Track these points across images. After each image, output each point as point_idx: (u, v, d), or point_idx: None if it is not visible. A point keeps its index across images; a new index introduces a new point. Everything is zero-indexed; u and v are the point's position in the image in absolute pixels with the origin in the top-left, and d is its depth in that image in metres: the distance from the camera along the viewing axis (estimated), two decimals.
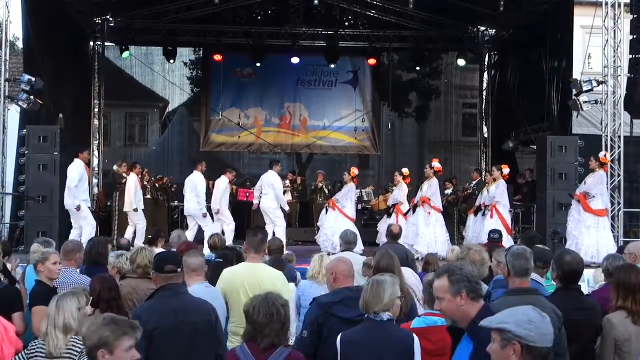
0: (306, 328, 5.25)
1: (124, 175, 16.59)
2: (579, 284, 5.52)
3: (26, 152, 14.23)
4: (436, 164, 15.28)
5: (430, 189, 14.84)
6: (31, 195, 14.01)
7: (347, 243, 8.54)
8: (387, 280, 4.66)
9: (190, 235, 13.79)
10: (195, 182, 14.67)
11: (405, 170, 15.95)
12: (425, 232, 14.59)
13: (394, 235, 9.93)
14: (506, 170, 14.87)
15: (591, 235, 12.87)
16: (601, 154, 13.47)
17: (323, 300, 5.33)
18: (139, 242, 14.02)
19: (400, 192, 15.53)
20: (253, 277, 6.14)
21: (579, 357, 4.82)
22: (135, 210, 15.17)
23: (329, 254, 8.56)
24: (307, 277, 7.77)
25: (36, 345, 4.76)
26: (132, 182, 15.41)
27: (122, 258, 7.06)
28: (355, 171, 15.76)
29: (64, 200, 13.63)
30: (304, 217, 19.48)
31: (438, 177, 15.32)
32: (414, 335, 4.60)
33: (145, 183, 17.10)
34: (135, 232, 15.06)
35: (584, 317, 4.98)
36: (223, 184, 15.15)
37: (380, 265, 6.24)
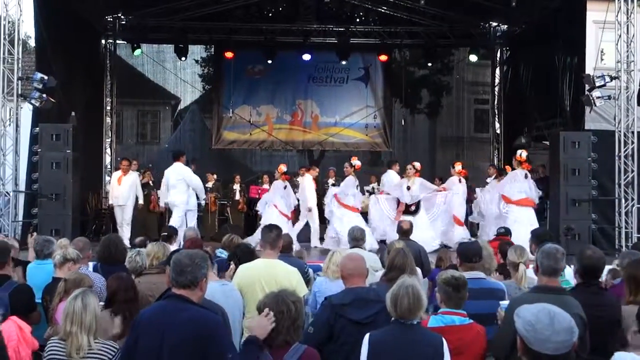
0: (313, 325, 5.27)
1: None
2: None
3: (39, 150, 14.25)
4: (417, 164, 15.41)
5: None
6: (44, 193, 14.06)
7: (354, 240, 8.50)
8: (417, 283, 4.60)
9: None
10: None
11: (417, 164, 15.75)
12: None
13: (404, 231, 9.78)
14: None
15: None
16: (518, 153, 14.25)
17: (334, 301, 5.32)
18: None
19: (422, 187, 15.28)
20: (269, 272, 6.22)
21: (597, 352, 4.73)
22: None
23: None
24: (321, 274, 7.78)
25: (53, 344, 4.64)
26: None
27: (140, 256, 6.97)
28: (357, 163, 15.42)
29: (176, 197, 14.21)
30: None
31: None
32: (443, 338, 4.53)
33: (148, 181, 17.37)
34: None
35: (603, 314, 4.92)
36: (309, 181, 15.49)
37: (394, 262, 6.22)
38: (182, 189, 14.36)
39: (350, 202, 14.96)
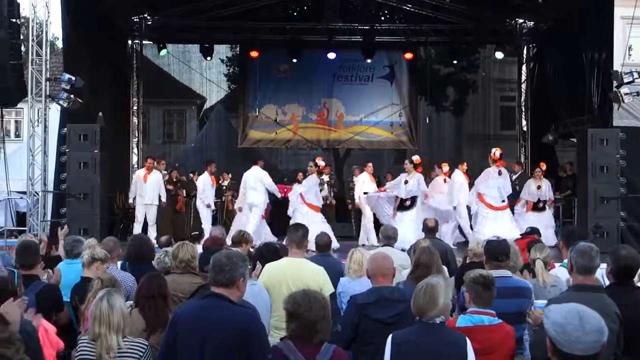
0: (341, 323, 5.27)
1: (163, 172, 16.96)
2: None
3: (67, 150, 14.43)
4: (416, 157, 15.26)
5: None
6: (72, 192, 14.23)
7: (387, 238, 8.41)
8: (440, 283, 4.51)
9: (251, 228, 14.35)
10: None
11: (416, 158, 15.42)
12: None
13: (429, 229, 9.74)
14: None
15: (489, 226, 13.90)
16: (492, 152, 14.74)
17: (358, 301, 5.35)
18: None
19: (417, 184, 14.98)
20: (295, 271, 6.25)
21: (630, 352, 4.69)
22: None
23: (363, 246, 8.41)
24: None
25: (83, 345, 4.67)
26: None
27: (168, 257, 6.97)
28: (322, 163, 15.77)
29: (255, 198, 14.82)
30: (341, 212, 19.45)
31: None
32: (467, 337, 4.46)
33: (174, 179, 17.55)
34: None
35: (636, 313, 4.76)
36: (367, 179, 15.90)
37: (420, 260, 6.18)
38: (261, 191, 15.05)
39: (313, 201, 15.11)
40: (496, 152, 14.82)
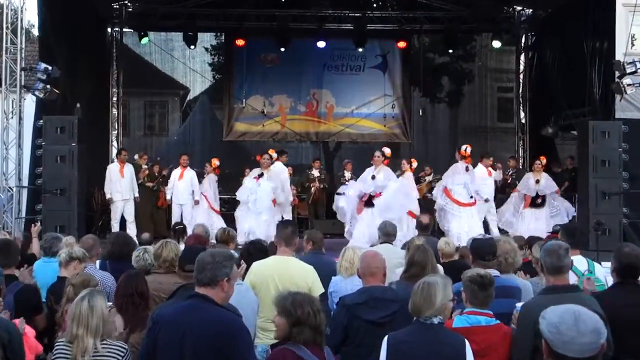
0: (331, 326, 5.20)
1: (144, 166, 17.13)
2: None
3: (43, 143, 14.31)
4: (387, 150, 14.79)
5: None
6: (48, 188, 14.10)
7: (386, 235, 8.31)
8: (438, 282, 4.47)
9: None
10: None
11: (387, 151, 14.84)
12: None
13: (422, 227, 9.81)
14: None
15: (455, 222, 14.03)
16: (462, 148, 14.49)
17: (347, 302, 5.37)
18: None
19: (388, 177, 14.49)
20: (283, 270, 6.29)
21: (635, 353, 4.71)
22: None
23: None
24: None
25: (60, 347, 4.63)
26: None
27: (148, 254, 6.81)
28: (275, 155, 15.48)
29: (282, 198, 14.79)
30: (332, 208, 19.00)
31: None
32: (465, 339, 4.43)
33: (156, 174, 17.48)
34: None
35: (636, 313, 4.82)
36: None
37: (414, 259, 6.10)
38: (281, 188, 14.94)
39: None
40: (467, 149, 14.57)
